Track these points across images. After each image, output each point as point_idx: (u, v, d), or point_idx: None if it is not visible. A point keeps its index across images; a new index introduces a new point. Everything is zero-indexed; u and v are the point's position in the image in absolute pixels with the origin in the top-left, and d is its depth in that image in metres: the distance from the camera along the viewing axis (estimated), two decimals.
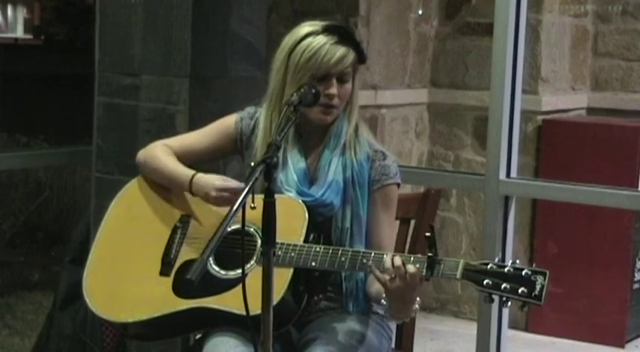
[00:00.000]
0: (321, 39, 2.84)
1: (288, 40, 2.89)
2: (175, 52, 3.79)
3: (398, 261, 2.62)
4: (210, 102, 3.79)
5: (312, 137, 2.95)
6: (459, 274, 2.58)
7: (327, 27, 2.87)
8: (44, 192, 7.02)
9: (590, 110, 6.19)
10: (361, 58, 2.90)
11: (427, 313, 5.90)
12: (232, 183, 2.86)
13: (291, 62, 2.86)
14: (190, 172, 2.94)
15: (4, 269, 6.19)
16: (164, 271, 2.90)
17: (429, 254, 2.59)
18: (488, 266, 2.57)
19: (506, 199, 3.97)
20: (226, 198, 2.85)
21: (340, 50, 2.84)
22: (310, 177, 2.92)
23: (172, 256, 2.92)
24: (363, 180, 2.89)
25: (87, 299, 2.94)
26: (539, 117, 5.80)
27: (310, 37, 2.85)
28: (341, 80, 2.86)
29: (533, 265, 2.56)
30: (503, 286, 2.53)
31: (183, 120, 3.77)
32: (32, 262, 6.38)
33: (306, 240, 2.76)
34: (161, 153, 3.04)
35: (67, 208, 6.94)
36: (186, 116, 3.77)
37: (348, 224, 2.87)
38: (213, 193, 2.87)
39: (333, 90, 2.84)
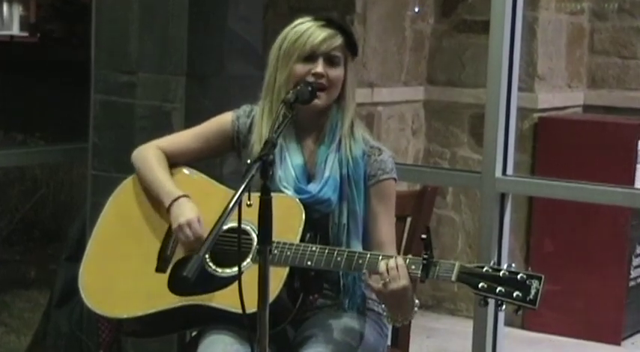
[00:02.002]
0: (309, 24, 2.88)
1: (281, 33, 2.92)
2: (172, 50, 3.79)
3: (392, 263, 2.62)
4: (207, 99, 3.79)
5: (309, 134, 2.95)
6: (454, 276, 2.58)
7: (319, 17, 2.91)
8: (40, 189, 7.01)
9: (587, 107, 6.20)
10: (352, 44, 2.90)
11: (423, 311, 5.89)
12: (198, 230, 2.84)
13: (281, 50, 2.88)
14: (174, 194, 2.94)
15: (1, 267, 6.18)
16: (160, 267, 2.90)
17: (425, 255, 2.59)
18: (484, 270, 2.56)
19: (503, 197, 3.97)
20: (181, 237, 2.86)
21: (326, 31, 2.86)
22: (308, 174, 2.92)
23: (168, 253, 2.92)
24: (358, 176, 2.89)
25: (83, 295, 2.94)
26: (536, 115, 5.80)
27: (300, 24, 2.89)
28: (330, 62, 2.86)
29: (529, 268, 2.56)
30: (498, 290, 2.53)
31: (180, 118, 3.77)
32: (29, 260, 6.37)
33: (302, 239, 2.75)
34: (153, 159, 3.02)
35: (64, 206, 6.93)
36: (183, 114, 3.77)
37: (344, 220, 2.87)
38: (175, 225, 2.88)
39: (319, 68, 2.84)
